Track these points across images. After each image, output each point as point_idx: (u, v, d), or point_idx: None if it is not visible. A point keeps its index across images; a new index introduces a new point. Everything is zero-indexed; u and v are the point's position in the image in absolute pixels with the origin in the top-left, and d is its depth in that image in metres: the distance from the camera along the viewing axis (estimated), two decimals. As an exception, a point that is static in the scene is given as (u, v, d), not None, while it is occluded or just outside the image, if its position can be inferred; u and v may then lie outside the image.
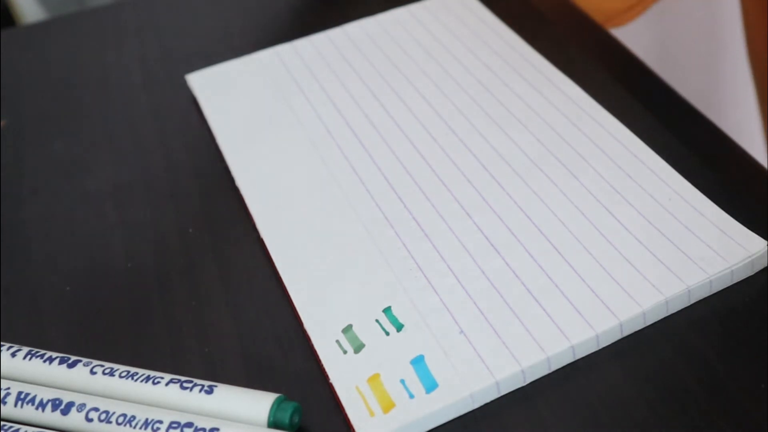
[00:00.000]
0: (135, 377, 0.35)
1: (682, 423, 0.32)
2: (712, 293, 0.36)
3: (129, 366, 0.36)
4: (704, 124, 0.44)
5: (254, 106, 0.50)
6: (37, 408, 0.35)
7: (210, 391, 0.34)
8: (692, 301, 0.36)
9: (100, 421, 0.34)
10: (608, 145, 0.43)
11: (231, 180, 0.46)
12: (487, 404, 0.34)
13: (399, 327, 0.36)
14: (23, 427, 0.35)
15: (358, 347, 0.36)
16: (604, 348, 0.35)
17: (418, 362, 0.35)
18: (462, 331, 0.36)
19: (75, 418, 0.34)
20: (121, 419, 0.34)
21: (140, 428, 0.33)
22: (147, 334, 0.39)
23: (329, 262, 0.40)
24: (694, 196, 0.40)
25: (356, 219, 0.42)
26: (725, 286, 0.37)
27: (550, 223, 0.39)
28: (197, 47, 0.57)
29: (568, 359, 0.35)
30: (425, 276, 0.38)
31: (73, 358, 0.36)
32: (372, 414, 0.34)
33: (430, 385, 0.34)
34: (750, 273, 0.37)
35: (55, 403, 0.35)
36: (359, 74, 0.51)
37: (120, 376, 0.35)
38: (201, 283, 0.41)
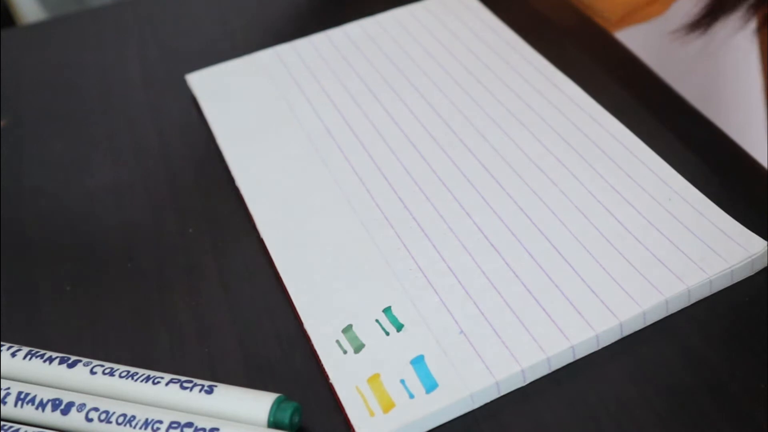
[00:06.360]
0: (135, 377, 0.35)
1: (682, 423, 0.32)
2: (712, 293, 0.36)
3: (129, 366, 0.36)
4: (704, 124, 0.44)
5: (254, 106, 0.50)
6: (37, 408, 0.35)
7: (210, 391, 0.34)
8: (692, 301, 0.36)
9: (100, 421, 0.34)
10: (608, 145, 0.43)
11: (231, 180, 0.46)
12: (487, 404, 0.34)
13: (399, 327, 0.36)
14: (23, 427, 0.35)
15: (358, 347, 0.36)
16: (604, 348, 0.35)
17: (418, 362, 0.35)
18: (462, 331, 0.36)
19: (75, 418, 0.34)
20: (121, 419, 0.34)
21: (140, 428, 0.33)
22: (147, 334, 0.39)
23: (329, 262, 0.40)
24: (694, 196, 0.40)
25: (356, 219, 0.42)
26: (725, 286, 0.37)
27: (549, 223, 0.39)
28: (197, 47, 0.57)
29: (568, 359, 0.35)
30: (425, 276, 0.38)
31: (73, 358, 0.36)
32: (372, 414, 0.34)
33: (430, 385, 0.34)
34: (750, 273, 0.37)
35: (55, 403, 0.35)
36: (359, 74, 0.51)
37: (120, 376, 0.35)
38: (201, 283, 0.41)
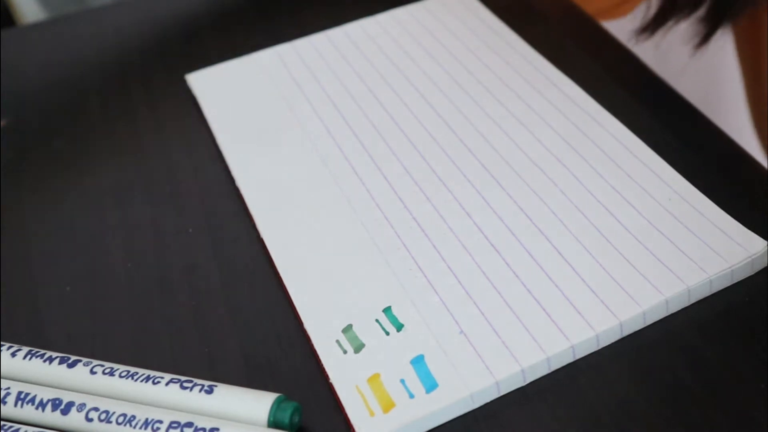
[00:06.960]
0: (135, 377, 0.35)
1: (682, 423, 0.32)
2: (712, 293, 0.36)
3: (129, 366, 0.36)
4: (704, 124, 0.44)
5: (254, 106, 0.50)
6: (37, 408, 0.35)
7: (210, 391, 0.34)
8: (692, 301, 0.36)
9: (100, 421, 0.34)
10: (608, 145, 0.43)
11: (231, 180, 0.46)
12: (487, 404, 0.34)
13: (399, 327, 0.36)
14: (23, 427, 0.35)
15: (358, 347, 0.36)
16: (604, 348, 0.35)
17: (418, 362, 0.35)
18: (462, 331, 0.36)
19: (75, 418, 0.34)
20: (121, 419, 0.34)
21: (140, 428, 0.33)
22: (147, 334, 0.39)
23: (329, 262, 0.40)
24: (694, 196, 0.40)
25: (356, 219, 0.42)
26: (725, 286, 0.37)
27: (549, 223, 0.39)
28: (197, 47, 0.57)
29: (568, 359, 0.35)
30: (425, 276, 0.38)
31: (73, 358, 0.36)
32: (372, 414, 0.34)
33: (430, 385, 0.34)
34: (750, 273, 0.37)
35: (55, 403, 0.35)
36: (359, 74, 0.51)
37: (120, 376, 0.35)
38: (201, 283, 0.41)
